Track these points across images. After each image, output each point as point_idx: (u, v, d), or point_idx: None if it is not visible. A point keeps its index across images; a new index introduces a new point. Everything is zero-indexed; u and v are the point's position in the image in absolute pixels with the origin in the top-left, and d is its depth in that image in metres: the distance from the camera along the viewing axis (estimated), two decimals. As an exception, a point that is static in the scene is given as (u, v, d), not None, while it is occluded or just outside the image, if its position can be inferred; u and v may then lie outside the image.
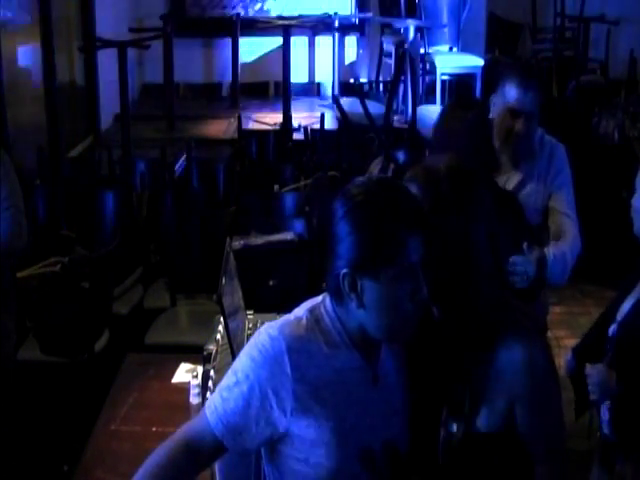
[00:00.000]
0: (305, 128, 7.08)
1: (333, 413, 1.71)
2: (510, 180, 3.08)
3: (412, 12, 8.12)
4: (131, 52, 7.13)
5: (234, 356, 2.58)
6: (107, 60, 7.52)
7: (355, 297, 1.68)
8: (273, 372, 1.69)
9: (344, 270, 1.67)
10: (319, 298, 1.81)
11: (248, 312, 3.02)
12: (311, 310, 1.78)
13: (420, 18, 8.04)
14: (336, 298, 1.73)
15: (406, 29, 7.88)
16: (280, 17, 8.72)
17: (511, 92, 3.03)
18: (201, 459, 1.77)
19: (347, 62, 9.26)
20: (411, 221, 1.65)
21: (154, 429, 2.91)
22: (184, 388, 3.04)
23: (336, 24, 8.81)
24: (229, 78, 8.89)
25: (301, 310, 1.80)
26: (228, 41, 8.71)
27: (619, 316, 2.55)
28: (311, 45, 8.97)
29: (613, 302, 2.64)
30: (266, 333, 1.74)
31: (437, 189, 1.74)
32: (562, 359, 2.62)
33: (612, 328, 2.55)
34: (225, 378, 1.76)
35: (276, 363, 1.69)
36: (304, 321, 1.75)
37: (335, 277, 1.69)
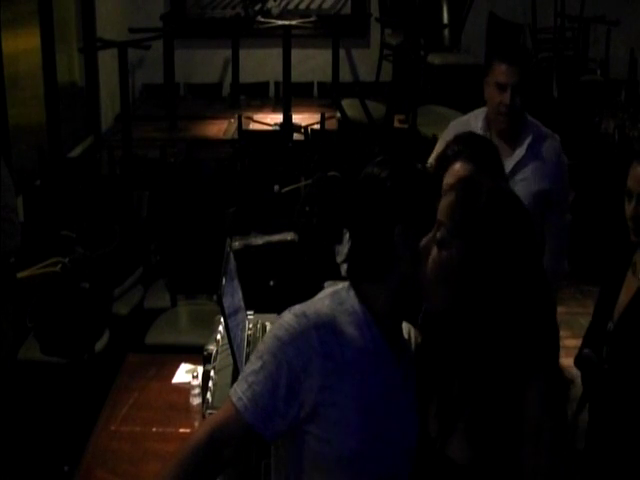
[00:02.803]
0: (305, 128, 7.08)
1: (358, 393, 1.72)
2: (505, 165, 3.12)
3: (412, 12, 8.12)
4: (131, 52, 7.13)
5: (234, 356, 2.58)
6: (107, 60, 7.53)
7: (408, 251, 1.72)
8: (300, 348, 1.69)
9: (399, 227, 1.72)
10: (339, 285, 1.83)
11: (248, 312, 3.02)
12: (333, 294, 1.80)
13: (420, 18, 8.03)
14: (370, 272, 1.76)
15: (406, 29, 7.88)
16: (280, 17, 8.71)
17: (498, 67, 3.21)
18: (228, 451, 1.72)
19: (347, 62, 9.26)
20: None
21: (154, 429, 2.91)
22: (184, 388, 3.05)
23: (336, 24, 8.81)
24: (229, 78, 8.89)
25: (323, 294, 1.82)
26: (228, 41, 8.71)
27: (616, 312, 2.55)
28: (311, 45, 8.96)
29: (605, 297, 2.64)
30: (291, 313, 1.75)
31: (476, 206, 1.70)
32: (563, 359, 2.62)
33: (609, 324, 2.55)
34: (249, 364, 1.75)
35: (304, 339, 1.69)
36: (328, 301, 1.77)
37: (377, 242, 1.73)
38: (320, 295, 1.83)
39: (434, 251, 1.70)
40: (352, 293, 1.79)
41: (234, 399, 1.71)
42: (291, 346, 1.69)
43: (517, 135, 3.29)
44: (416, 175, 1.79)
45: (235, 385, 1.75)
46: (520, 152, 3.26)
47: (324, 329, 1.71)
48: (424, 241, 1.73)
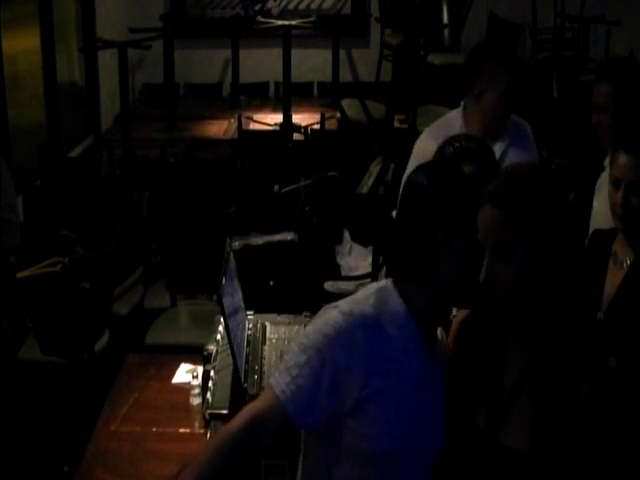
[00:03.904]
0: (305, 128, 7.08)
1: (397, 392, 1.76)
2: None
3: (412, 12, 8.11)
4: (131, 52, 7.13)
5: (234, 356, 2.58)
6: (107, 60, 7.53)
7: (449, 254, 1.76)
8: (346, 347, 1.73)
9: (442, 230, 1.75)
10: (382, 282, 1.86)
11: (248, 312, 3.02)
12: (377, 292, 1.83)
13: (420, 18, 8.03)
14: (411, 272, 1.80)
15: (406, 29, 7.88)
16: (280, 17, 8.71)
17: (504, 78, 3.26)
18: (265, 439, 1.78)
19: (347, 62, 9.26)
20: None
21: (154, 429, 2.90)
22: (184, 388, 3.04)
23: (336, 24, 8.81)
24: (229, 78, 8.89)
25: (367, 291, 1.85)
26: (228, 41, 8.71)
27: (604, 302, 2.56)
28: (311, 45, 8.96)
29: (588, 288, 2.65)
30: (337, 310, 1.78)
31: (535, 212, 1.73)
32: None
33: (599, 314, 2.57)
34: (292, 357, 1.78)
35: (350, 337, 1.73)
36: (372, 300, 1.80)
37: (419, 245, 1.77)
38: (364, 292, 1.85)
39: (496, 266, 1.72)
40: (395, 293, 1.82)
41: (277, 391, 1.75)
42: (337, 343, 1.73)
43: (499, 132, 3.37)
44: (458, 182, 1.82)
45: (277, 375, 1.78)
46: (502, 145, 3.33)
47: (370, 328, 1.75)
48: (486, 266, 1.74)
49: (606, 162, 3.27)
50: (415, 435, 1.80)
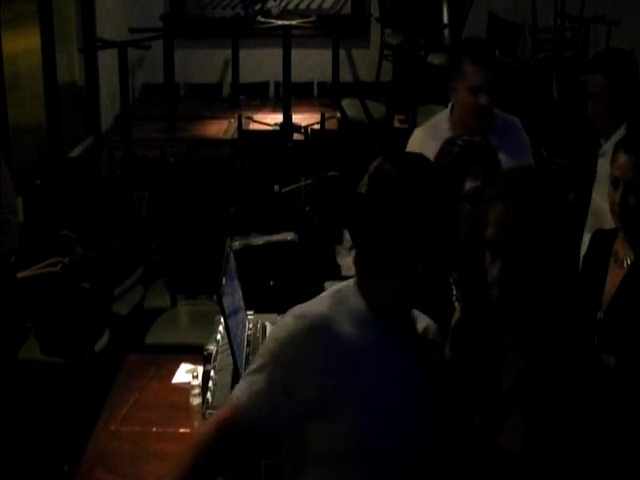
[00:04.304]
0: (305, 128, 7.08)
1: (358, 390, 1.75)
2: None
3: (412, 12, 8.12)
4: (131, 52, 7.13)
5: (234, 356, 2.58)
6: (107, 60, 7.53)
7: (416, 251, 1.73)
8: (298, 348, 1.73)
9: (409, 226, 1.72)
10: (344, 283, 1.86)
11: (248, 312, 3.02)
12: (334, 293, 1.83)
13: (420, 18, 8.03)
14: (371, 267, 1.77)
15: (406, 29, 7.88)
16: (280, 17, 8.71)
17: (468, 71, 3.25)
18: (232, 448, 1.79)
19: (347, 62, 9.26)
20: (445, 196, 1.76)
21: (154, 429, 2.91)
22: (184, 388, 3.04)
23: (336, 24, 8.81)
24: (229, 78, 8.89)
25: (325, 293, 1.85)
26: (228, 41, 8.71)
27: (604, 301, 2.57)
28: (311, 45, 8.96)
29: (588, 287, 2.65)
30: (290, 315, 1.79)
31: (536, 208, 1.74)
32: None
33: (599, 313, 2.57)
34: (250, 365, 1.82)
35: (301, 340, 1.73)
36: (327, 301, 1.80)
37: (381, 240, 1.74)
38: (322, 294, 1.85)
39: (499, 266, 1.72)
40: (354, 290, 1.81)
41: (234, 398, 1.77)
42: (289, 346, 1.74)
43: (486, 129, 3.33)
44: (429, 181, 1.78)
45: (236, 385, 1.81)
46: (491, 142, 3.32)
47: (321, 330, 1.74)
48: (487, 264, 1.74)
49: (601, 151, 3.31)
50: (389, 431, 1.78)
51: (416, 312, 1.90)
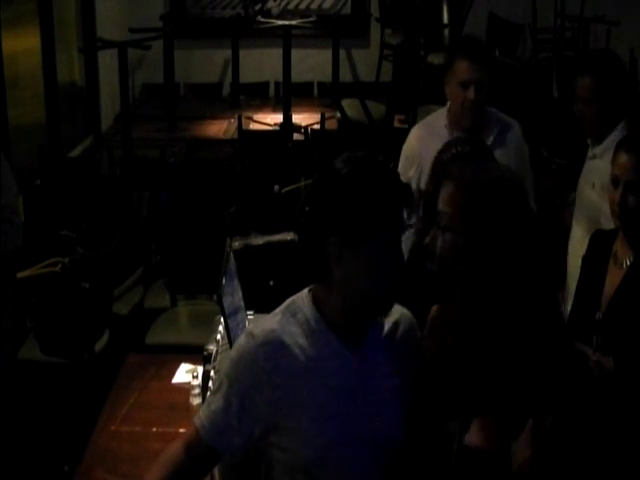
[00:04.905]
0: (305, 128, 7.08)
1: (312, 401, 1.75)
2: None
3: (412, 12, 8.11)
4: (131, 52, 7.13)
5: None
6: (107, 60, 7.53)
7: (341, 265, 1.71)
8: (248, 367, 1.76)
9: (333, 238, 1.69)
10: (300, 293, 1.86)
11: (248, 312, 3.02)
12: (288, 305, 1.84)
13: (420, 18, 8.03)
14: (319, 275, 1.77)
15: (406, 29, 7.88)
16: (280, 17, 8.71)
17: (459, 66, 3.30)
18: (198, 467, 1.85)
19: (347, 62, 9.26)
20: (395, 194, 1.72)
21: (154, 429, 2.91)
22: (184, 388, 3.04)
23: (336, 24, 8.81)
24: (229, 78, 8.89)
25: (281, 306, 1.86)
26: (228, 41, 8.71)
27: (603, 302, 2.56)
28: (311, 45, 8.96)
29: (587, 288, 2.65)
30: (244, 334, 1.84)
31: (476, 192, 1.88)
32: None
33: (598, 314, 2.57)
34: (212, 387, 1.87)
35: (250, 359, 1.76)
36: (279, 316, 1.82)
37: (321, 248, 1.71)
38: (279, 307, 1.86)
39: (440, 237, 1.85)
40: (308, 299, 1.82)
41: (195, 419, 1.83)
42: (240, 367, 1.78)
43: (482, 128, 3.37)
44: (347, 190, 1.70)
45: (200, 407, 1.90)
46: (486, 142, 3.31)
47: (270, 346, 1.76)
48: (431, 233, 1.86)
49: (591, 153, 3.31)
50: (350, 438, 1.77)
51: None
